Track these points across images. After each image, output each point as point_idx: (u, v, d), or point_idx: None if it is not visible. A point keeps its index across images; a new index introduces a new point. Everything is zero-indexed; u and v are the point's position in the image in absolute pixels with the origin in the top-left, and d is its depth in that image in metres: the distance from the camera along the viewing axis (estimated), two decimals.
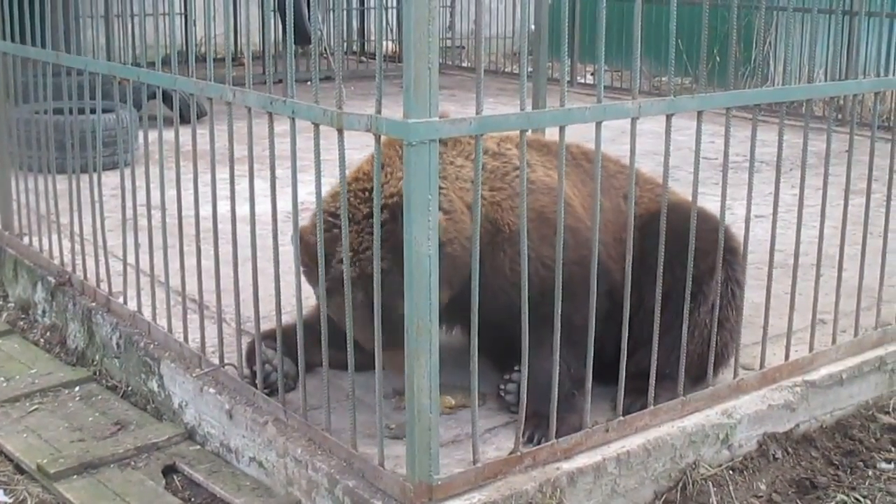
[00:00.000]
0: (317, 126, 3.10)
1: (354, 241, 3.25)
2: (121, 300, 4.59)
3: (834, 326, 4.15)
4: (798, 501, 3.68)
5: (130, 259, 4.47)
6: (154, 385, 4.24)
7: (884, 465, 3.91)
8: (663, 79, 11.26)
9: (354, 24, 13.97)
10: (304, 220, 3.49)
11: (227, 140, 3.58)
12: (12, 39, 5.19)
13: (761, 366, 3.88)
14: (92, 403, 4.35)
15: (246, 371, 3.78)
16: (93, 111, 4.64)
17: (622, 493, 3.43)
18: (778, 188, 3.75)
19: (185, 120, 4.57)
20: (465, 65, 13.52)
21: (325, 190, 3.22)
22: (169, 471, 3.81)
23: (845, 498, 3.68)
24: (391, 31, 13.63)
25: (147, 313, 4.39)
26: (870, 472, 3.86)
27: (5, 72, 5.43)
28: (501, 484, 3.17)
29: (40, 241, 5.28)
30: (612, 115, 3.20)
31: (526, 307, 3.08)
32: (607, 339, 3.42)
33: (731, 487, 3.62)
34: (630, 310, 3.42)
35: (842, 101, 7.01)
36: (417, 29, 2.68)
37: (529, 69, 3.28)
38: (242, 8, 11.91)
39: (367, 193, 3.32)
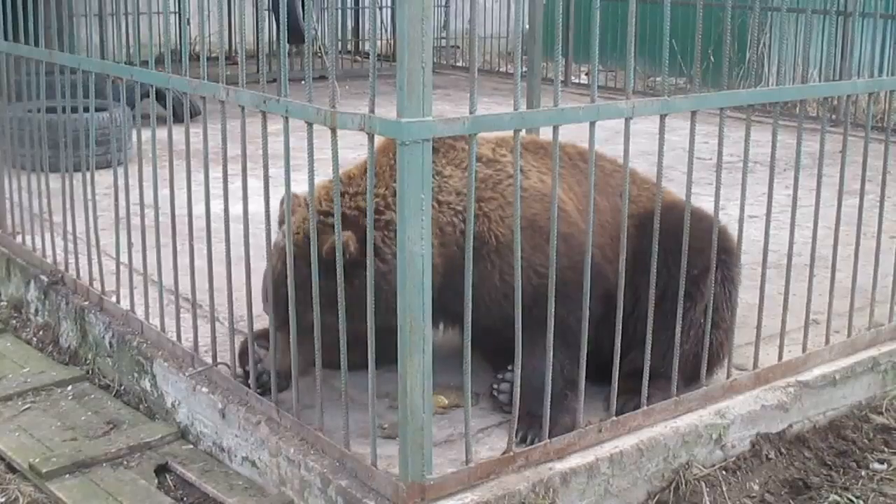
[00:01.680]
0: (310, 125, 3.10)
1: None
2: (114, 299, 4.58)
3: (827, 327, 4.15)
4: (791, 502, 3.68)
5: (123, 258, 4.46)
6: (147, 384, 4.23)
7: (877, 466, 3.91)
8: (657, 79, 11.27)
9: (348, 22, 13.96)
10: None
11: (220, 139, 3.58)
12: (5, 37, 5.18)
13: (755, 366, 3.89)
14: (84, 402, 4.34)
15: (239, 370, 3.77)
16: (86, 110, 4.63)
17: (615, 493, 3.43)
18: (772, 189, 3.75)
19: (178, 119, 4.56)
20: (459, 64, 13.52)
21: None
22: (161, 470, 3.80)
23: (838, 498, 3.68)
24: (385, 30, 13.63)
25: (140, 312, 4.39)
26: (863, 473, 3.86)
27: None
28: (494, 484, 3.16)
29: (33, 239, 5.27)
30: (605, 115, 3.20)
31: (519, 309, 3.07)
32: (605, 340, 3.42)
33: (724, 488, 3.62)
34: (627, 309, 3.42)
35: (836, 102, 7.02)
36: (411, 28, 2.68)
37: (524, 69, 3.28)
38: (236, 7, 11.93)
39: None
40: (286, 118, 3.20)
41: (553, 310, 3.15)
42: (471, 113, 2.87)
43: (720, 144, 3.52)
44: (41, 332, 5.07)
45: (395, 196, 3.33)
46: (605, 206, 3.66)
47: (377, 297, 3.07)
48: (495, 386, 3.60)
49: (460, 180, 3.51)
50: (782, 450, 3.87)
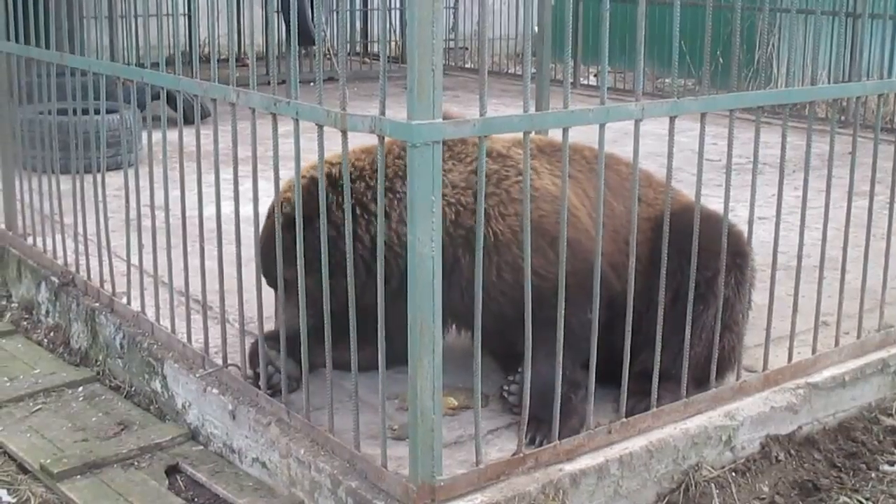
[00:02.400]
0: (320, 127, 3.11)
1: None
2: (124, 300, 4.59)
3: (837, 328, 4.15)
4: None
5: (134, 259, 4.48)
6: (157, 385, 4.24)
7: (887, 468, 3.90)
8: (667, 80, 11.26)
9: (358, 24, 13.98)
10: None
11: (230, 141, 3.59)
12: (17, 40, 5.20)
13: (764, 367, 3.88)
14: (95, 404, 4.35)
15: (249, 372, 3.78)
16: (97, 112, 4.65)
17: (625, 494, 3.43)
18: (781, 190, 3.75)
19: (188, 121, 4.57)
20: (468, 66, 13.52)
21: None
22: (172, 471, 3.81)
23: (848, 500, 3.68)
24: (395, 32, 13.63)
25: (150, 314, 4.40)
26: (872, 475, 3.86)
27: (10, 72, 5.44)
28: (504, 485, 3.17)
29: (44, 241, 5.29)
30: (615, 117, 3.20)
31: (529, 311, 3.07)
32: (619, 341, 3.40)
33: (733, 489, 3.62)
34: (640, 310, 3.41)
35: (845, 103, 7.01)
36: (421, 30, 2.68)
37: (533, 70, 3.28)
38: (246, 9, 11.95)
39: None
40: (296, 120, 3.21)
41: (554, 312, 3.14)
42: (481, 115, 2.88)
43: (730, 146, 3.52)
44: (52, 334, 5.08)
45: (376, 171, 3.40)
46: (621, 211, 3.64)
47: (326, 260, 3.19)
48: (505, 388, 3.60)
49: (460, 174, 3.51)
50: (792, 451, 3.86)
